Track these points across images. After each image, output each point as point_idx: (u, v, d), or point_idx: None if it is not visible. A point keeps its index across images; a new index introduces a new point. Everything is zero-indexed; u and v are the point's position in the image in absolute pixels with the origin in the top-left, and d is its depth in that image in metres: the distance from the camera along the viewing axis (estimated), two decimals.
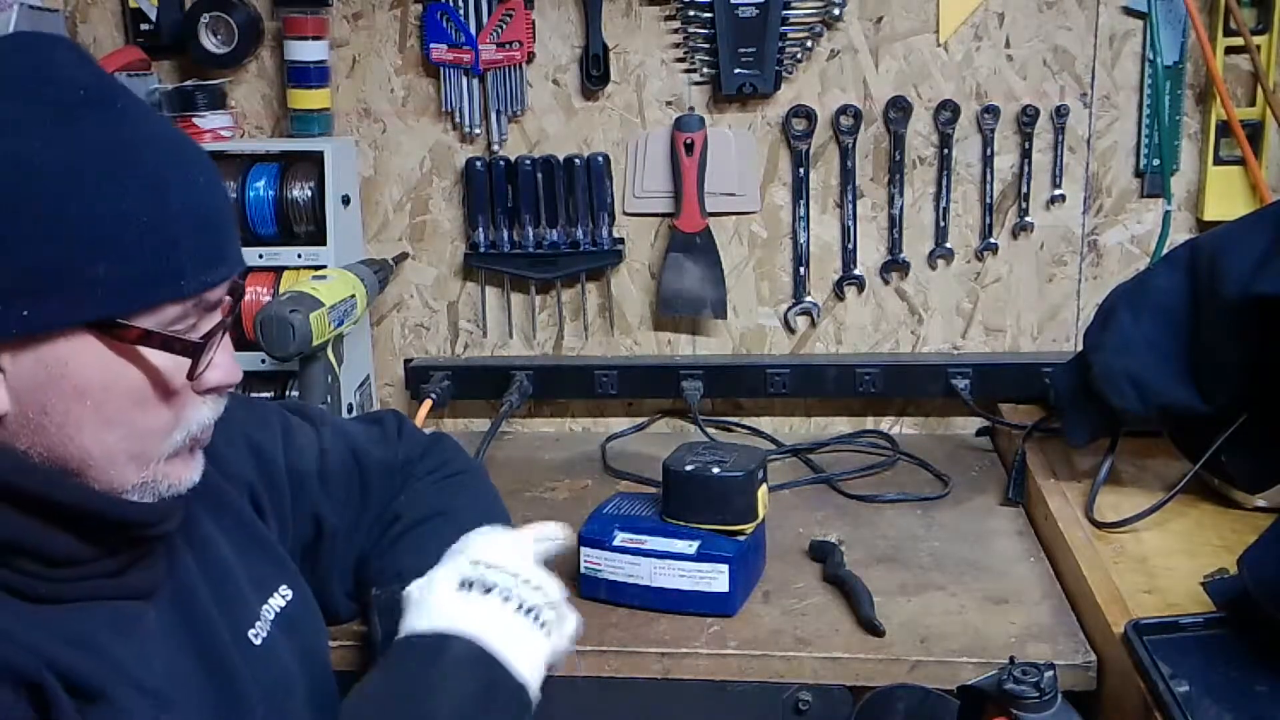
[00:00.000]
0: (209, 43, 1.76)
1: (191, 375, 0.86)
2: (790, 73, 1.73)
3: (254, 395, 1.66)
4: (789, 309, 1.80)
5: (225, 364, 0.90)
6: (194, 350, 0.85)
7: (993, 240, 1.75)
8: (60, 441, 0.83)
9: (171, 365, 0.85)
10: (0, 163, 0.78)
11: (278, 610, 1.02)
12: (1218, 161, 1.68)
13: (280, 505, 1.11)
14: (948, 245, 1.76)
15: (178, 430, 0.88)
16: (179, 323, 0.85)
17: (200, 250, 0.85)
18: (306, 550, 1.14)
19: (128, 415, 0.84)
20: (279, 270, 1.69)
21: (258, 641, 0.98)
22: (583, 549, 1.29)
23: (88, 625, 0.85)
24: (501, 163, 1.77)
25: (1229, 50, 1.65)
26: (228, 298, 0.91)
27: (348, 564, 1.16)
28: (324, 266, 1.66)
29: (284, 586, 1.04)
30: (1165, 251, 1.60)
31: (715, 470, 1.26)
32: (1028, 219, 1.74)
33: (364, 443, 1.19)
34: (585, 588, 1.30)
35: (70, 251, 0.79)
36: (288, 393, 1.68)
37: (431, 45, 1.75)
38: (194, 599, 0.95)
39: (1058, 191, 1.73)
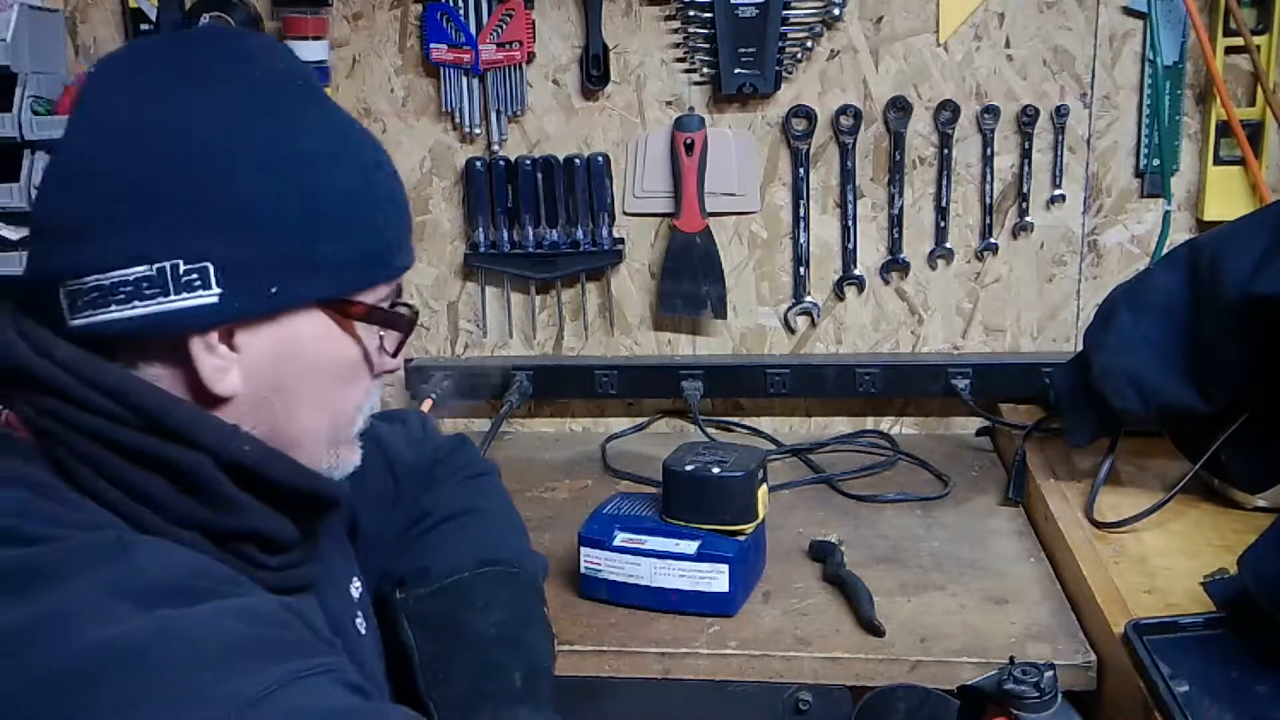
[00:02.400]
0: None
1: (396, 352, 0.90)
2: (790, 73, 1.73)
3: None
4: (789, 309, 1.80)
5: (398, 353, 0.92)
6: (408, 326, 0.89)
7: (993, 240, 1.75)
8: (282, 421, 0.84)
9: (376, 344, 0.88)
10: (247, 144, 0.79)
11: (356, 599, 1.02)
12: (1218, 161, 1.68)
13: None
14: (948, 245, 1.76)
15: (360, 414, 0.91)
16: (384, 303, 0.88)
17: (402, 231, 0.89)
18: None
19: (338, 394, 0.87)
20: None
21: (363, 631, 0.99)
22: (583, 549, 1.29)
23: (313, 626, 0.85)
24: (501, 163, 1.77)
25: (1229, 50, 1.65)
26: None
27: (377, 563, 1.14)
28: None
29: (356, 578, 1.04)
30: (1165, 251, 1.60)
31: (715, 470, 1.26)
32: (1028, 219, 1.74)
33: (393, 444, 1.19)
34: (585, 588, 1.30)
35: (313, 231, 0.81)
36: None
37: (431, 45, 1.75)
38: (324, 590, 0.95)
39: (1058, 191, 1.73)
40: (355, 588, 1.02)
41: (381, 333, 0.89)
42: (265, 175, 0.79)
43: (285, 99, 0.83)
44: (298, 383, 0.84)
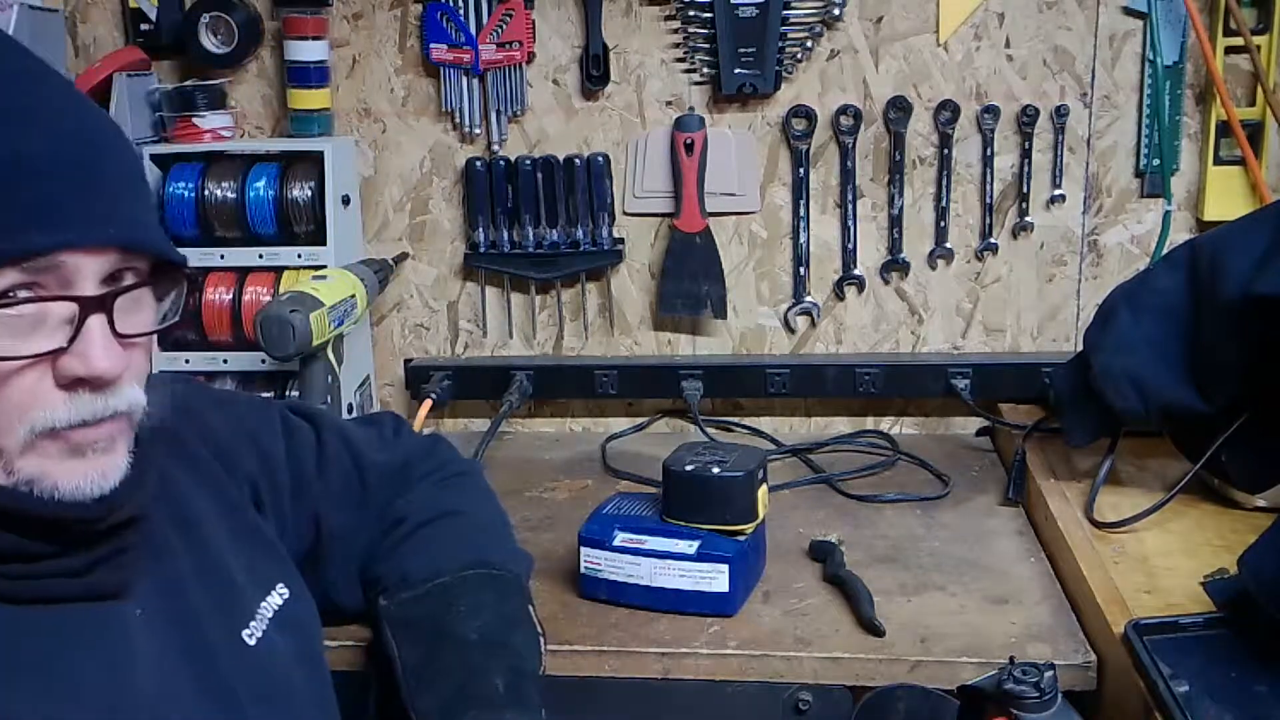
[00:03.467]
0: (209, 43, 1.76)
1: (27, 353, 0.75)
2: (790, 73, 1.73)
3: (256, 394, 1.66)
4: (789, 309, 1.80)
5: (90, 354, 0.77)
6: None
7: (993, 240, 1.75)
8: None
9: (46, 345, 0.76)
10: None
11: (275, 609, 0.99)
12: (1218, 161, 1.68)
13: (280, 503, 1.09)
14: (948, 245, 1.76)
15: (20, 422, 0.77)
16: (5, 299, 0.75)
17: (14, 204, 0.74)
18: (308, 552, 1.12)
19: None
20: (279, 270, 1.69)
21: (252, 641, 0.95)
22: (583, 549, 1.29)
23: (44, 634, 0.80)
24: (501, 163, 1.77)
25: (1229, 50, 1.65)
26: (130, 276, 0.81)
27: (351, 565, 1.14)
28: (324, 266, 1.66)
29: (281, 585, 1.01)
30: (1165, 251, 1.60)
31: (715, 470, 1.26)
32: (1028, 219, 1.74)
33: (362, 445, 1.18)
34: (585, 588, 1.30)
35: None
36: (288, 392, 1.68)
37: (431, 45, 1.75)
38: (183, 596, 0.91)
39: (1058, 191, 1.73)
40: (277, 595, 0.99)
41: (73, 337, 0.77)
42: None
43: None
44: None
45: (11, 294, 0.75)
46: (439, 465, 1.23)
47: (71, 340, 0.77)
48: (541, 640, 1.08)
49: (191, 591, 0.92)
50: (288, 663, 0.99)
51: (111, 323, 0.79)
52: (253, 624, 0.96)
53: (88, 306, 0.77)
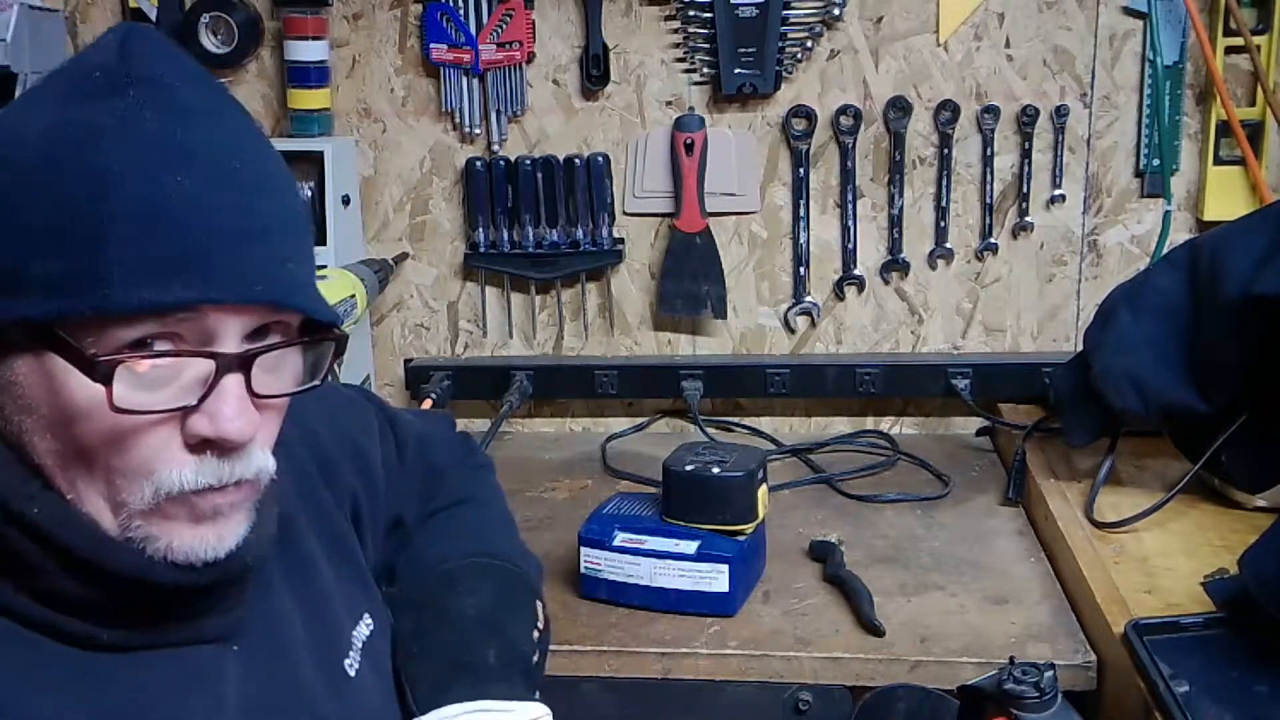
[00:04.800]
0: (209, 43, 1.76)
1: (111, 404, 0.69)
2: (790, 73, 1.73)
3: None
4: (789, 309, 1.80)
5: (221, 413, 0.72)
6: (88, 366, 0.69)
7: (993, 240, 1.75)
8: (25, 453, 0.73)
9: (94, 388, 0.70)
10: None
11: (364, 639, 0.96)
12: (1218, 161, 1.68)
13: (375, 519, 1.06)
14: (948, 245, 1.76)
15: (146, 481, 0.72)
16: (143, 349, 0.70)
17: (146, 257, 0.68)
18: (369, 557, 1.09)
19: (67, 430, 0.72)
20: None
21: (353, 673, 0.92)
22: (583, 549, 1.29)
23: (139, 683, 0.76)
24: (501, 163, 1.77)
25: (1229, 50, 1.65)
26: (270, 337, 0.75)
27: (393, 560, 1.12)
28: (324, 266, 1.66)
29: (368, 615, 0.98)
30: (1165, 251, 1.60)
31: (715, 470, 1.26)
32: (1028, 219, 1.74)
33: (432, 450, 1.16)
34: (585, 588, 1.30)
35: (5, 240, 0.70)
36: None
37: (431, 45, 1.75)
38: (286, 631, 0.87)
39: (1058, 191, 1.73)
40: (364, 626, 0.97)
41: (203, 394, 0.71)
42: None
43: (38, 98, 0.73)
44: (24, 417, 0.72)
45: (149, 343, 0.70)
46: (467, 455, 1.23)
47: (203, 398, 0.72)
48: (536, 631, 1.07)
49: (293, 623, 0.88)
50: (379, 694, 0.96)
51: (249, 382, 0.73)
52: (352, 653, 0.93)
53: (225, 365, 0.72)
